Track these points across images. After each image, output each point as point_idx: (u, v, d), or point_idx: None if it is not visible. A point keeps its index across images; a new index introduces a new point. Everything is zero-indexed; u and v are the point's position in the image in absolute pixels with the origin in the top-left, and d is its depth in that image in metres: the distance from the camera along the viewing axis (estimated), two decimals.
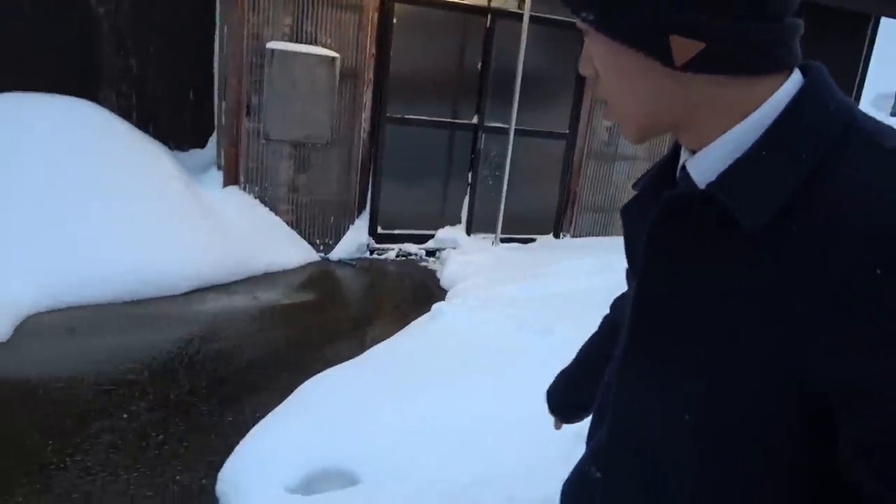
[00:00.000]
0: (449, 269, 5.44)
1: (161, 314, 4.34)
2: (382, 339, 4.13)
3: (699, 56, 0.59)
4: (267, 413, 3.14)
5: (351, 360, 3.61)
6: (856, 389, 0.53)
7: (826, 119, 0.59)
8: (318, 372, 3.61)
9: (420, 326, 4.16)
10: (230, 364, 3.74)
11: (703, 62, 0.59)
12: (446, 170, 6.29)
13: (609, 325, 1.12)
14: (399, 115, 5.85)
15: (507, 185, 6.16)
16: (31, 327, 3.84)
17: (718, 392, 0.61)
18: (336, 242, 5.92)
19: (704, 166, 0.64)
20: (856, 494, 0.56)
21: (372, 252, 6.06)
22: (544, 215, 6.86)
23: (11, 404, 3.08)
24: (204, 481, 2.67)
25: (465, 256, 5.68)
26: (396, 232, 6.18)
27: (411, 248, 6.21)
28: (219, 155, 6.19)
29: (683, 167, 0.69)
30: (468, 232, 6.42)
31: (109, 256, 4.44)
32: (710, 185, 0.62)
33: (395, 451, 2.56)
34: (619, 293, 1.11)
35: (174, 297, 4.61)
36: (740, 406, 0.59)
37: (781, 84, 0.61)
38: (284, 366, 3.80)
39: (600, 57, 0.66)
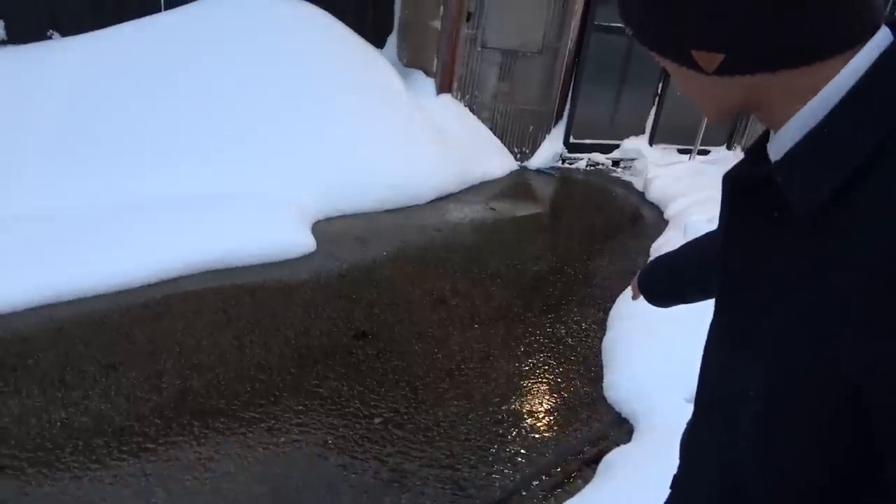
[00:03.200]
0: (656, 185, 5.56)
1: (425, 223, 4.58)
2: (636, 253, 4.39)
3: (725, 64, 0.58)
4: (590, 323, 3.47)
5: None
6: (885, 381, 0.52)
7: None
8: (603, 281, 3.91)
9: (675, 242, 4.35)
10: (523, 275, 4.00)
11: (732, 68, 0.58)
12: (636, 79, 6.25)
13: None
14: (606, 23, 5.76)
15: None
16: (323, 236, 4.08)
17: (776, 368, 0.61)
18: (532, 151, 6.03)
19: (777, 147, 0.62)
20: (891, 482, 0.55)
21: (563, 161, 6.18)
22: (717, 126, 6.84)
23: (390, 300, 3.39)
24: (587, 390, 3.00)
25: (665, 170, 5.79)
26: (587, 141, 6.26)
27: (599, 157, 6.31)
28: (401, 54, 6.20)
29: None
30: (651, 142, 6.47)
31: (367, 166, 4.62)
32: (774, 163, 0.62)
33: None
34: None
35: (421, 206, 4.83)
36: (792, 385, 0.60)
37: (856, 53, 0.56)
38: (569, 276, 4.07)
39: (669, 68, 0.66)
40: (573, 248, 4.53)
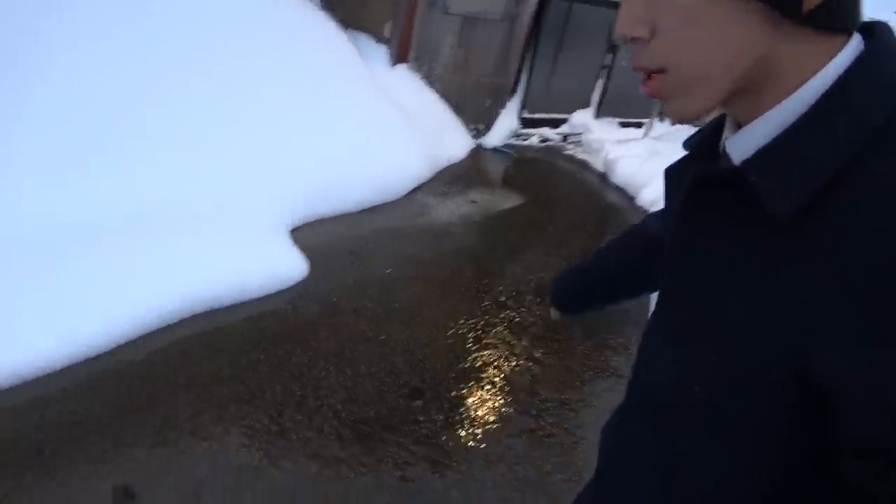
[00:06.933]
0: (620, 168, 5.37)
1: (412, 225, 4.00)
2: None
3: (827, 3, 0.51)
4: (636, 345, 3.20)
5: None
6: (855, 387, 0.50)
7: (878, 94, 0.52)
8: None
9: None
10: (543, 288, 3.62)
11: (825, 12, 0.52)
12: (582, 50, 5.93)
13: (634, 233, 1.11)
14: None
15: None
16: (311, 252, 3.36)
17: (728, 368, 0.59)
18: (487, 128, 5.56)
19: (746, 142, 0.58)
20: (851, 487, 0.53)
21: (517, 137, 5.78)
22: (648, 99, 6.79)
23: (426, 339, 2.84)
24: None
25: (623, 149, 5.60)
26: (538, 116, 5.89)
27: (548, 132, 5.98)
28: (328, 9, 5.36)
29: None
30: (596, 116, 6.25)
31: (343, 161, 3.93)
32: (745, 161, 0.57)
33: None
34: None
35: (399, 201, 4.24)
36: (746, 385, 0.57)
37: (839, 50, 0.54)
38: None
39: (680, 8, 0.54)
40: (573, 249, 4.21)
